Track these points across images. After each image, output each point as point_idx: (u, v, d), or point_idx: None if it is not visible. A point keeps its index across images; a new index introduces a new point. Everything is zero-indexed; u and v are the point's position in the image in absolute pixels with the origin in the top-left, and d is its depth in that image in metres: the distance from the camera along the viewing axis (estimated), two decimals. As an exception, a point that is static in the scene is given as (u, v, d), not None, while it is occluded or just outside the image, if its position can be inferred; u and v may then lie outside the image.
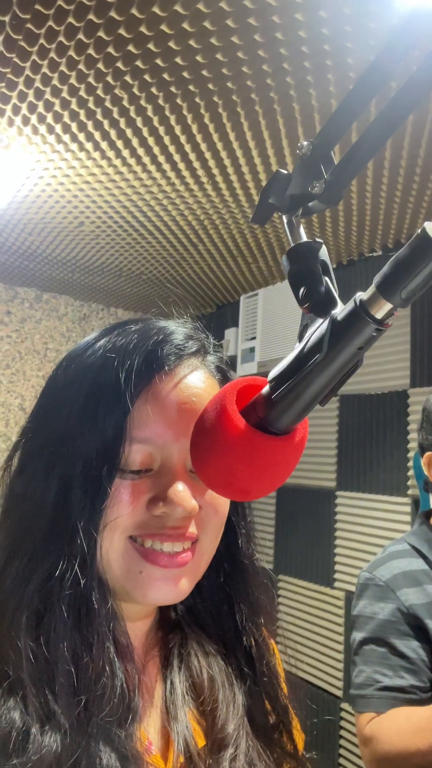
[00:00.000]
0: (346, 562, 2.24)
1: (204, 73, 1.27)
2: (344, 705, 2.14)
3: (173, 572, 0.52)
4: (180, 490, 0.50)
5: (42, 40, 1.19)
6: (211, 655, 0.60)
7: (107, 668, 0.48)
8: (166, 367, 0.52)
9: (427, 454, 1.17)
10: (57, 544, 0.48)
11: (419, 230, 0.33)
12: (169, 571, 0.51)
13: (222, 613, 0.62)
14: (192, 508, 0.50)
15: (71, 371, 0.54)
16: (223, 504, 0.56)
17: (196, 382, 0.53)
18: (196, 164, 1.66)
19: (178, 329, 0.56)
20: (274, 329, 2.62)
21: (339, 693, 2.17)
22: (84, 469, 0.49)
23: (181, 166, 1.67)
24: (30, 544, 0.49)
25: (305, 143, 0.42)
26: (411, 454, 2.04)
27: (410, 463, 2.04)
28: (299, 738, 0.64)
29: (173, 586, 0.52)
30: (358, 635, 1.11)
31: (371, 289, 0.35)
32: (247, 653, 0.61)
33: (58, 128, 1.50)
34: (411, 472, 2.02)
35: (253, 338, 2.71)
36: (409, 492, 2.03)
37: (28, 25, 1.15)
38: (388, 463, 2.13)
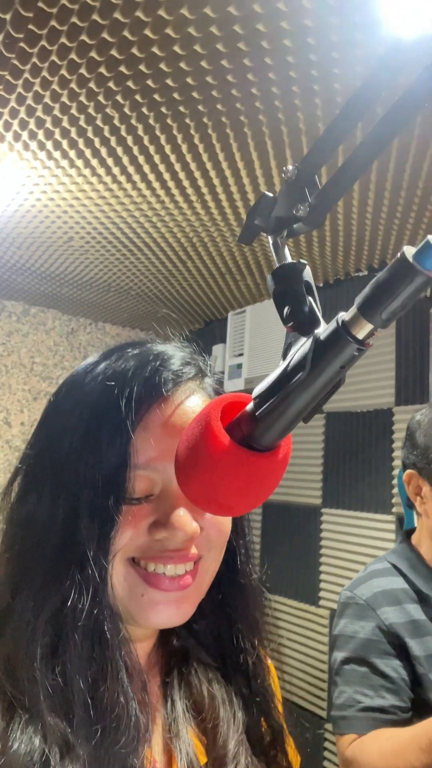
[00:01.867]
0: (331, 580, 2.24)
1: (194, 94, 1.30)
2: (328, 725, 2.12)
3: (175, 595, 0.52)
4: (181, 515, 0.50)
5: (35, 59, 1.21)
6: (211, 672, 0.60)
7: (121, 698, 0.48)
8: (165, 393, 0.52)
9: (407, 471, 1.18)
10: (67, 573, 0.48)
11: (399, 254, 0.34)
12: (171, 594, 0.52)
13: (221, 632, 0.62)
14: (193, 532, 0.51)
15: (72, 398, 0.54)
16: (226, 523, 0.56)
17: (194, 406, 0.54)
18: (186, 183, 1.68)
19: (176, 354, 0.56)
20: (262, 346, 2.64)
21: (323, 713, 2.15)
22: (90, 498, 0.49)
23: (171, 184, 1.69)
24: (39, 573, 0.49)
25: (290, 167, 0.43)
26: (396, 472, 2.05)
27: (395, 481, 2.05)
28: (294, 758, 0.64)
29: (176, 609, 0.52)
30: (339, 655, 1.11)
31: (353, 310, 0.36)
32: (245, 672, 0.61)
33: (49, 145, 1.51)
34: (396, 490, 2.04)
35: (241, 354, 2.72)
36: (394, 510, 2.04)
37: (21, 44, 1.17)
38: (374, 480, 2.14)
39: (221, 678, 0.61)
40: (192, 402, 0.54)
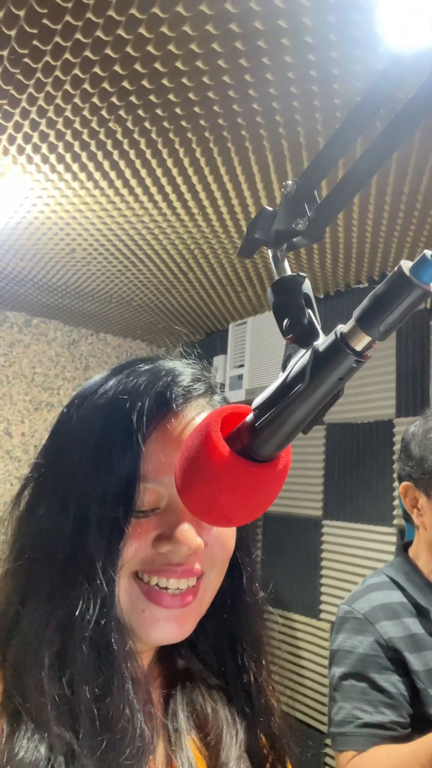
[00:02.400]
0: (332, 592, 2.23)
1: (196, 109, 1.32)
2: (329, 741, 2.10)
3: (176, 612, 0.52)
4: (185, 529, 0.51)
5: (39, 74, 1.23)
6: (214, 688, 0.61)
7: (127, 710, 0.48)
8: (176, 408, 0.53)
9: (404, 483, 1.18)
10: (75, 584, 0.48)
11: (396, 267, 0.34)
12: (172, 611, 0.52)
13: (224, 651, 0.62)
14: (197, 547, 0.51)
15: (83, 411, 0.55)
16: (230, 540, 0.57)
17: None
18: (187, 195, 1.70)
19: (186, 370, 0.58)
20: (263, 357, 2.64)
21: (323, 728, 2.13)
22: (100, 510, 0.49)
23: (173, 197, 1.71)
24: (47, 583, 0.49)
25: (290, 182, 0.44)
26: (397, 484, 2.05)
27: (396, 493, 2.04)
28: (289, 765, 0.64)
29: (176, 627, 0.53)
30: (337, 670, 1.10)
31: (351, 323, 0.37)
32: (247, 691, 0.61)
33: (52, 158, 1.53)
34: (396, 502, 2.03)
35: (242, 365, 2.73)
36: (395, 522, 2.03)
37: (26, 60, 1.19)
38: (374, 492, 2.14)
39: (223, 695, 0.61)
40: (198, 419, 0.55)
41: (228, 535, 0.56)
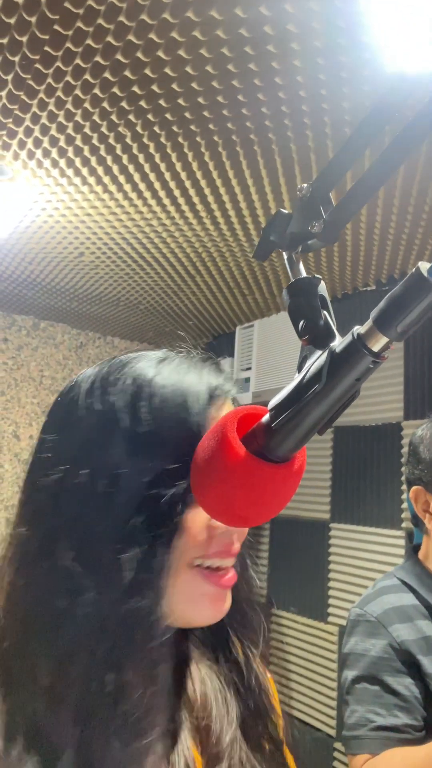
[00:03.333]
0: (340, 596, 2.22)
1: (205, 113, 1.32)
2: (337, 744, 2.09)
3: (226, 592, 0.54)
4: None
5: (50, 80, 1.24)
6: (205, 670, 0.61)
7: (166, 704, 0.50)
8: (220, 401, 0.55)
9: (414, 488, 1.17)
10: (135, 576, 0.48)
11: (414, 269, 0.35)
12: (223, 591, 0.54)
13: (217, 629, 0.62)
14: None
15: (132, 402, 0.53)
16: None
17: None
18: (196, 199, 1.71)
19: (219, 372, 0.60)
20: (270, 360, 2.65)
21: (332, 732, 2.12)
22: (159, 498, 0.49)
23: (181, 201, 1.72)
24: (99, 578, 0.48)
25: (305, 185, 0.44)
26: (405, 487, 2.04)
27: (404, 496, 2.04)
28: (290, 759, 0.64)
29: (224, 605, 0.55)
30: (349, 673, 1.09)
31: (368, 324, 0.37)
32: (237, 663, 0.62)
33: (62, 162, 1.54)
34: (405, 505, 2.03)
35: (249, 368, 2.73)
36: (404, 525, 2.03)
37: (37, 65, 1.20)
38: (382, 495, 2.13)
39: (215, 675, 0.61)
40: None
41: None
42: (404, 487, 2.05)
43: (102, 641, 0.47)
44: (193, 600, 0.52)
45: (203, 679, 0.60)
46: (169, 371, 0.56)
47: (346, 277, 2.25)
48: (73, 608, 0.48)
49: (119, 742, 0.46)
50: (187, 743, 0.54)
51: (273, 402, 0.44)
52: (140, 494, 0.49)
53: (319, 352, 0.41)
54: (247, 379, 2.74)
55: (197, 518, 0.51)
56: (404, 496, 2.04)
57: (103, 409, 0.54)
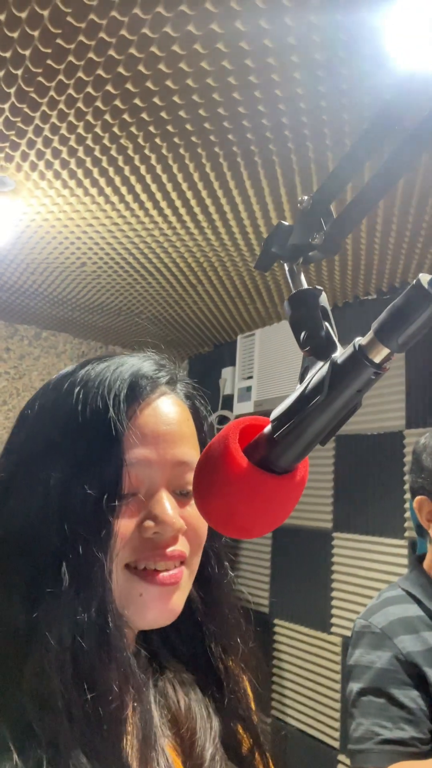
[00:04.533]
0: (343, 606, 2.21)
1: (206, 125, 1.34)
2: (341, 757, 2.07)
3: (169, 590, 0.53)
4: (168, 507, 0.52)
5: (52, 92, 1.25)
6: (187, 682, 0.60)
7: (125, 709, 0.48)
8: (146, 395, 0.55)
9: (418, 497, 1.17)
10: (72, 579, 0.48)
11: (414, 281, 0.35)
12: (165, 589, 0.53)
13: (193, 637, 0.62)
14: (180, 526, 0.52)
15: (54, 403, 0.56)
16: (203, 523, 0.57)
17: (171, 407, 0.57)
18: (197, 210, 1.72)
19: (148, 361, 0.59)
20: (271, 369, 2.65)
21: (336, 744, 2.10)
22: (86, 499, 0.49)
23: (183, 211, 1.73)
24: (34, 582, 0.48)
25: (306, 198, 0.45)
26: (408, 496, 2.04)
27: (407, 505, 2.03)
28: (270, 761, 0.64)
29: (169, 605, 0.53)
30: (355, 686, 1.08)
31: (369, 335, 0.37)
32: (217, 676, 0.61)
33: (64, 174, 1.55)
34: (408, 514, 2.02)
35: (250, 377, 2.73)
36: (406, 534, 2.02)
37: (40, 78, 1.21)
38: (385, 504, 2.13)
39: (197, 687, 0.60)
40: (167, 405, 0.57)
41: (201, 521, 0.56)
42: (407, 496, 2.04)
43: (63, 654, 0.46)
44: (133, 602, 0.52)
45: (187, 690, 0.59)
46: (97, 370, 0.56)
47: (347, 286, 2.26)
48: (27, 623, 0.48)
49: (92, 756, 0.45)
50: (168, 755, 0.53)
51: (275, 413, 0.44)
52: (66, 499, 0.49)
53: (321, 363, 0.41)
54: (249, 388, 2.74)
55: (128, 521, 0.51)
56: (407, 506, 2.03)
57: (31, 414, 0.57)
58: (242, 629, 0.64)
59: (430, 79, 0.43)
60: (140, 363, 0.58)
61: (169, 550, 0.53)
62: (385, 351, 0.37)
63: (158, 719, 0.55)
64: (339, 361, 0.39)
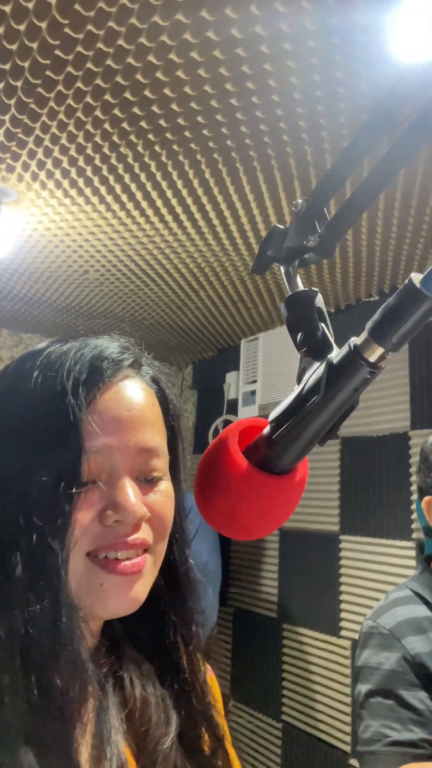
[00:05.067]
0: (352, 609, 2.20)
1: (205, 132, 1.35)
2: (353, 761, 2.06)
3: (131, 579, 0.52)
4: (130, 495, 0.51)
5: (52, 103, 1.26)
6: (146, 674, 0.59)
7: (79, 703, 0.47)
8: (106, 379, 0.53)
9: (426, 498, 1.17)
10: (25, 568, 0.46)
11: (407, 280, 0.35)
12: (127, 578, 0.51)
13: (155, 626, 0.61)
14: (143, 514, 0.51)
15: (14, 388, 0.54)
16: (169, 509, 0.56)
17: (134, 391, 0.55)
18: (198, 215, 1.73)
19: (112, 343, 0.58)
20: (275, 372, 2.65)
21: (347, 748, 2.09)
22: (43, 486, 0.48)
23: (183, 217, 1.74)
24: None
25: (300, 201, 0.45)
26: (414, 497, 2.03)
27: (414, 506, 2.03)
28: (231, 752, 0.63)
29: (131, 594, 0.52)
30: (363, 687, 1.08)
31: (364, 335, 0.38)
32: (177, 667, 0.60)
33: (65, 183, 1.57)
34: (415, 515, 2.01)
35: (254, 381, 2.74)
36: (414, 536, 2.01)
37: (39, 89, 1.23)
38: (392, 506, 2.12)
39: (156, 680, 0.59)
40: (132, 388, 0.55)
41: (167, 508, 0.56)
42: (413, 497, 2.04)
43: (12, 646, 0.45)
44: (94, 591, 0.50)
45: (145, 683, 0.58)
46: (58, 352, 0.54)
47: (348, 288, 2.26)
48: None
49: (39, 752, 0.44)
50: (121, 749, 0.52)
51: (273, 414, 0.44)
52: (21, 487, 0.48)
53: (318, 363, 0.42)
54: (253, 392, 2.75)
55: (89, 507, 0.50)
56: (413, 507, 2.03)
57: None
58: (203, 619, 0.62)
59: (425, 74, 0.43)
60: (103, 345, 0.56)
61: (131, 538, 0.51)
62: (380, 350, 0.37)
63: (115, 712, 0.54)
64: (335, 361, 0.40)
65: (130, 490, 0.51)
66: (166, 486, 0.56)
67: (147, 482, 0.54)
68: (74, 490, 0.49)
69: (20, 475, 0.48)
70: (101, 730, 0.52)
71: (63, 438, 0.49)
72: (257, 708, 2.57)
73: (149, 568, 0.54)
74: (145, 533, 0.53)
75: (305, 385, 0.42)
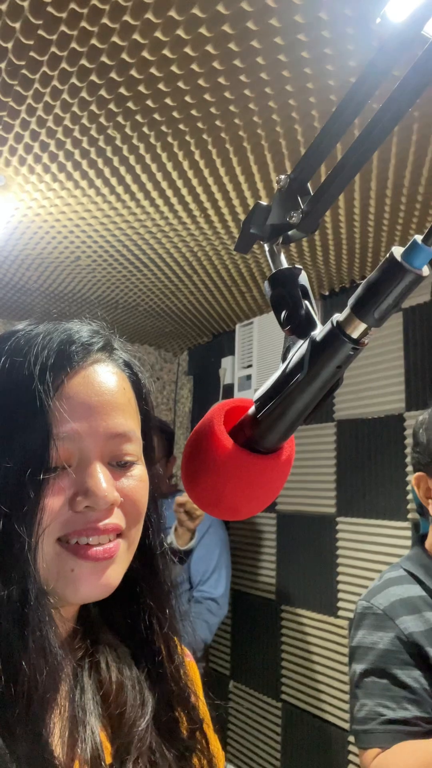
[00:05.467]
0: (349, 589, 2.22)
1: (193, 112, 1.33)
2: (351, 738, 2.09)
3: (102, 565, 0.52)
4: (101, 480, 0.51)
5: (37, 85, 1.24)
6: (122, 657, 0.59)
7: (44, 692, 0.47)
8: (75, 363, 0.53)
9: (416, 474, 1.18)
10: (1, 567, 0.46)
11: (388, 254, 0.35)
12: (99, 564, 0.51)
13: (131, 610, 0.61)
14: (114, 499, 0.51)
15: None
16: (142, 494, 0.56)
17: (105, 375, 0.55)
18: (188, 198, 1.71)
19: (83, 327, 0.57)
20: (270, 357, 2.65)
21: (346, 726, 2.12)
22: (11, 472, 0.48)
23: (174, 200, 1.72)
24: None
25: (282, 177, 0.45)
26: (410, 478, 2.04)
27: (409, 487, 2.04)
28: (217, 749, 0.63)
29: (103, 579, 0.52)
30: (358, 667, 1.09)
31: (346, 311, 0.37)
32: (152, 649, 0.60)
33: (53, 167, 1.55)
34: (410, 496, 2.02)
35: (250, 366, 2.73)
36: (410, 516, 2.02)
37: (24, 71, 1.20)
38: (387, 487, 2.13)
39: (132, 662, 0.60)
40: (103, 372, 0.55)
41: (140, 492, 0.55)
42: (409, 478, 2.05)
43: None
44: (65, 577, 0.51)
45: (121, 666, 0.58)
46: (28, 337, 0.54)
47: (342, 271, 2.25)
48: None
49: (8, 737, 0.44)
50: (96, 731, 0.53)
51: (258, 393, 0.44)
52: None
53: (302, 341, 0.42)
54: (249, 377, 2.74)
55: (58, 493, 0.50)
56: (409, 488, 2.04)
57: None
58: (176, 602, 0.63)
59: (414, 32, 0.42)
60: (73, 329, 0.56)
61: (102, 523, 0.51)
62: (363, 326, 0.37)
63: (90, 695, 0.55)
64: (318, 338, 0.40)
65: (101, 476, 0.51)
66: (139, 470, 0.56)
67: (120, 467, 0.54)
68: (42, 477, 0.48)
69: None
70: (75, 712, 0.52)
71: (30, 424, 0.49)
72: (257, 688, 2.60)
73: (122, 553, 0.54)
74: (117, 518, 0.53)
75: (289, 363, 0.42)
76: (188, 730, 0.60)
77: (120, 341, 0.61)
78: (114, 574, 0.53)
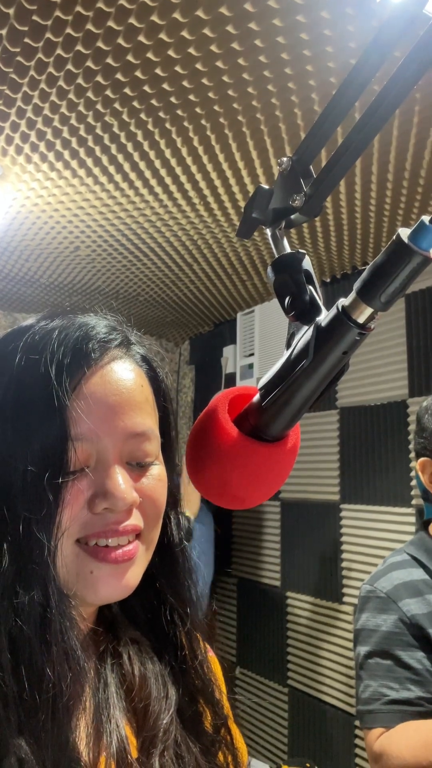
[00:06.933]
0: (354, 576, 2.23)
1: (191, 97, 1.31)
2: (357, 723, 2.11)
3: (122, 567, 0.51)
4: (120, 482, 0.49)
5: (32, 72, 1.22)
6: (144, 651, 0.59)
7: (66, 692, 0.46)
8: (93, 362, 0.51)
9: (421, 459, 1.18)
10: (13, 559, 0.46)
11: (395, 236, 0.34)
12: (120, 566, 0.51)
13: (152, 605, 0.60)
14: (133, 500, 0.50)
15: None
16: (161, 493, 0.55)
17: (123, 373, 0.53)
18: (188, 186, 1.69)
19: (99, 322, 0.55)
20: (272, 345, 2.63)
21: (351, 710, 2.14)
22: (29, 475, 0.47)
23: (173, 187, 1.70)
24: None
25: (284, 159, 0.44)
26: (413, 464, 2.04)
27: (413, 473, 2.03)
28: (240, 742, 0.63)
29: (123, 581, 0.51)
30: (362, 649, 1.10)
31: (352, 295, 0.37)
32: (174, 645, 0.60)
33: (50, 156, 1.53)
34: (414, 482, 2.02)
35: (252, 354, 2.72)
36: (413, 502, 2.02)
37: (19, 58, 1.18)
38: (391, 473, 2.13)
39: (155, 656, 0.59)
40: (121, 369, 0.53)
41: (159, 492, 0.55)
42: (413, 464, 2.04)
43: (1, 638, 0.44)
44: (85, 579, 0.50)
45: (144, 660, 0.58)
46: (43, 333, 0.52)
47: (344, 257, 2.23)
48: None
49: (34, 743, 0.44)
50: (120, 725, 0.52)
51: (262, 381, 0.43)
52: (6, 476, 0.47)
53: (306, 327, 0.41)
54: (251, 365, 2.74)
55: (76, 495, 0.49)
56: (413, 474, 2.04)
57: None
58: (197, 598, 0.62)
59: (415, 11, 0.41)
60: (90, 324, 0.54)
61: (121, 525, 0.50)
62: (369, 310, 0.36)
63: (114, 690, 0.54)
64: (323, 324, 0.39)
65: (119, 477, 0.50)
66: (158, 470, 0.55)
67: (138, 467, 0.53)
68: (61, 480, 0.47)
69: (4, 465, 0.47)
70: (99, 707, 0.52)
71: (47, 426, 0.47)
72: (264, 674, 2.62)
73: (141, 555, 0.53)
74: (135, 519, 0.52)
75: (294, 350, 0.41)
76: (213, 725, 0.59)
77: (137, 335, 0.59)
78: (133, 576, 0.52)
